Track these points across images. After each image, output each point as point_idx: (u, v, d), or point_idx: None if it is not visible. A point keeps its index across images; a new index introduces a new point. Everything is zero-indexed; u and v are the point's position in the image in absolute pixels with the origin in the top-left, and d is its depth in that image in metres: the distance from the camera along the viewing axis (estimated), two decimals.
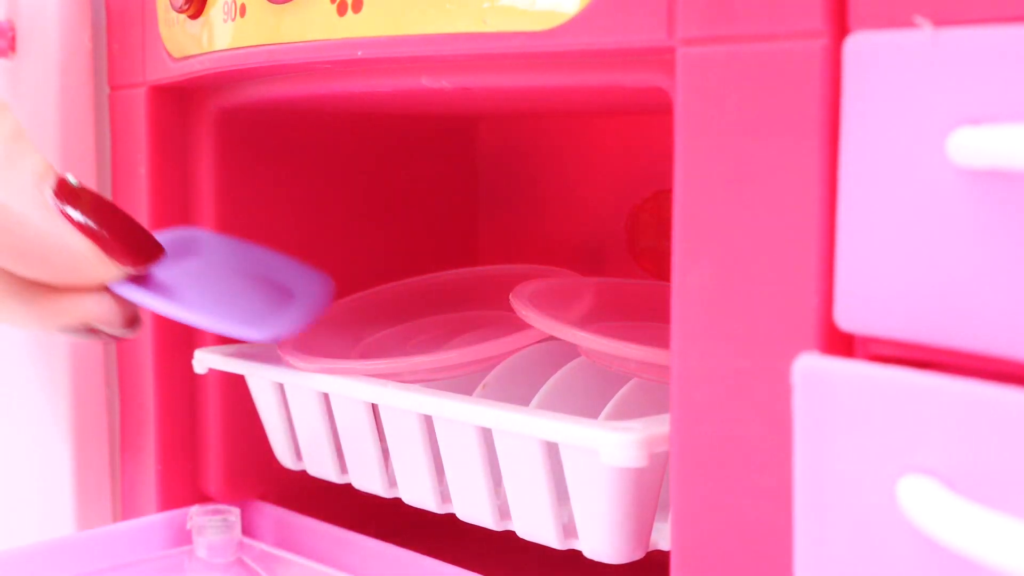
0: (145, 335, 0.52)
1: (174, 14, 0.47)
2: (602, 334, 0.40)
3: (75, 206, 0.36)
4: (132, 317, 0.40)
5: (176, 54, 0.47)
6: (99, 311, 0.39)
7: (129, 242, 0.38)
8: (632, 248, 0.57)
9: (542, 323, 0.42)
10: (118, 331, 0.40)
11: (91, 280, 0.38)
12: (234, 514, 0.51)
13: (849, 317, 0.28)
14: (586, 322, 0.44)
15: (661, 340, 0.36)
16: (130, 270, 0.38)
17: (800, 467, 0.28)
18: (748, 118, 0.30)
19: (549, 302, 0.44)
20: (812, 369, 0.27)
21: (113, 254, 0.37)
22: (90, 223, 0.37)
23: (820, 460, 0.27)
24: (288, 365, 0.46)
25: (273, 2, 0.41)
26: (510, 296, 0.44)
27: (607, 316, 0.46)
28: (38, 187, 0.36)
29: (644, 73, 0.34)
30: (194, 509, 0.51)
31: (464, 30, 0.35)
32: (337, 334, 0.48)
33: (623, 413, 0.39)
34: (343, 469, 0.48)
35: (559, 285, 0.47)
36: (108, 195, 0.54)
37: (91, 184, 0.55)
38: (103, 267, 0.38)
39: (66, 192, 0.36)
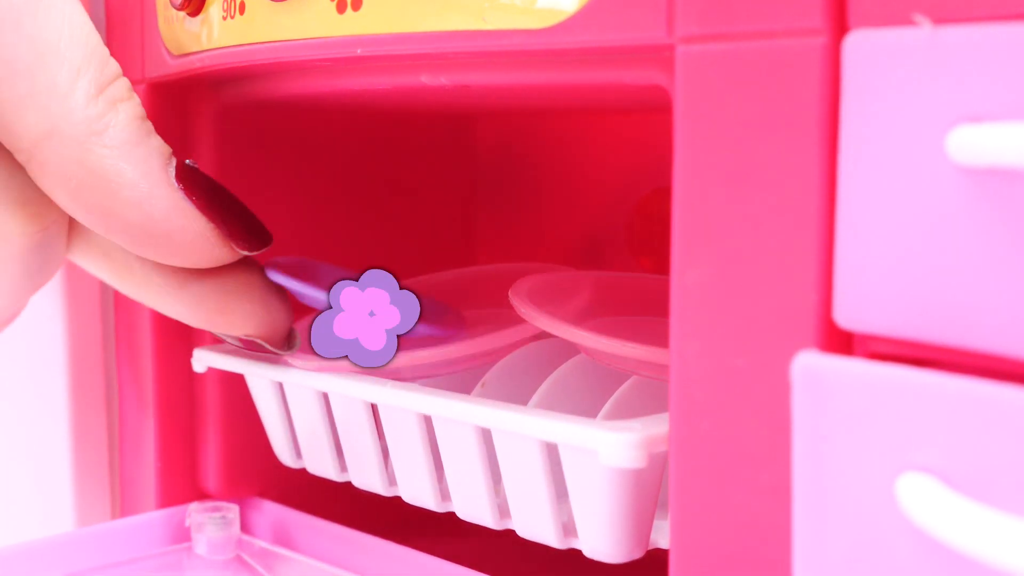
0: (144, 333, 0.52)
1: (173, 11, 0.47)
2: (601, 330, 0.40)
3: (195, 188, 0.37)
4: (289, 335, 0.43)
5: (175, 51, 0.47)
6: (260, 328, 0.41)
7: (244, 225, 0.39)
8: (631, 245, 0.57)
9: (541, 321, 0.42)
10: (276, 348, 0.43)
11: (208, 261, 0.39)
12: (233, 511, 0.51)
13: (848, 315, 0.28)
14: (585, 317, 0.44)
15: (661, 335, 0.36)
16: (243, 252, 0.39)
17: (799, 465, 0.28)
18: (747, 116, 0.30)
19: (548, 298, 0.44)
20: (811, 367, 0.27)
21: (230, 236, 0.38)
22: (210, 205, 0.38)
23: (819, 458, 0.27)
24: (287, 364, 0.46)
25: (273, 0, 0.41)
26: (509, 293, 0.44)
27: (606, 310, 0.46)
28: (164, 168, 0.37)
29: (643, 71, 0.34)
30: (193, 506, 0.51)
31: (463, 28, 0.35)
32: None
33: (622, 412, 0.39)
34: (342, 467, 0.48)
35: (558, 280, 0.47)
36: None
37: None
38: (219, 249, 0.39)
39: (186, 174, 0.37)
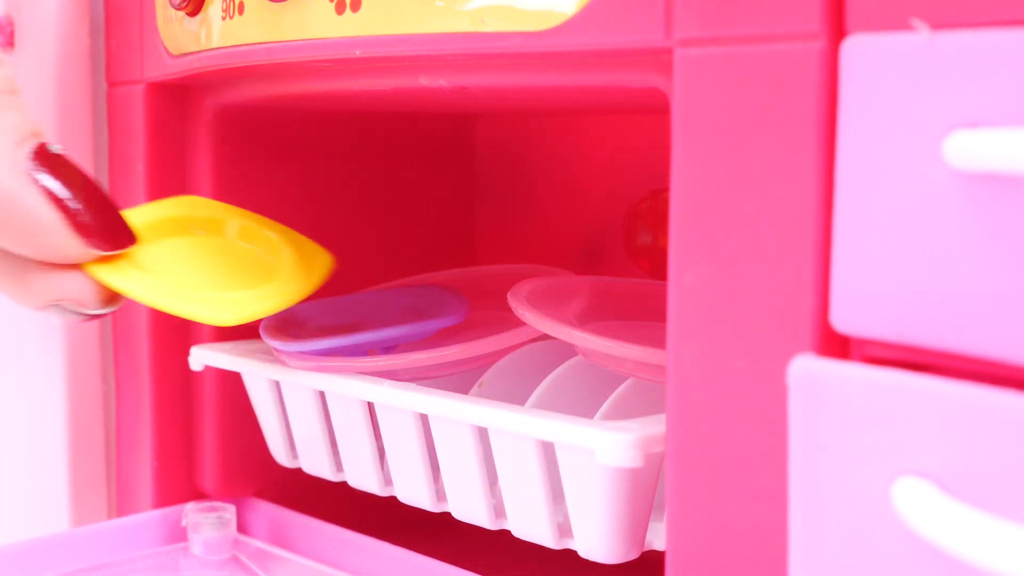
0: (141, 331, 0.52)
1: (172, 11, 0.47)
2: (599, 333, 0.40)
3: (51, 174, 0.35)
4: (110, 297, 0.39)
5: (174, 51, 0.47)
6: (74, 290, 0.37)
7: (100, 222, 0.36)
8: (629, 247, 0.57)
9: (539, 323, 0.42)
10: (93, 311, 0.38)
11: (55, 254, 0.36)
12: (229, 511, 0.51)
13: (845, 319, 0.28)
14: (583, 321, 0.44)
15: (657, 339, 0.36)
16: (97, 251, 0.37)
17: (795, 468, 0.28)
18: (745, 119, 0.30)
19: (547, 301, 0.44)
20: (808, 371, 0.27)
21: (81, 231, 0.36)
22: (62, 194, 0.35)
23: (815, 462, 0.27)
24: (284, 363, 0.46)
25: (272, 0, 0.41)
26: (508, 295, 0.44)
27: (605, 315, 0.46)
28: (16, 146, 0.35)
29: (641, 74, 0.34)
30: (189, 506, 0.51)
31: (462, 29, 0.36)
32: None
33: (619, 413, 0.39)
34: (338, 467, 0.48)
35: (557, 284, 0.47)
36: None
37: None
38: (70, 243, 0.36)
39: (44, 158, 0.35)
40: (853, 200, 0.27)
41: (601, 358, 0.41)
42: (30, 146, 0.35)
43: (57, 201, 0.35)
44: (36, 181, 0.35)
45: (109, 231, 0.37)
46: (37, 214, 0.35)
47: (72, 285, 0.37)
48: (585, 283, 0.48)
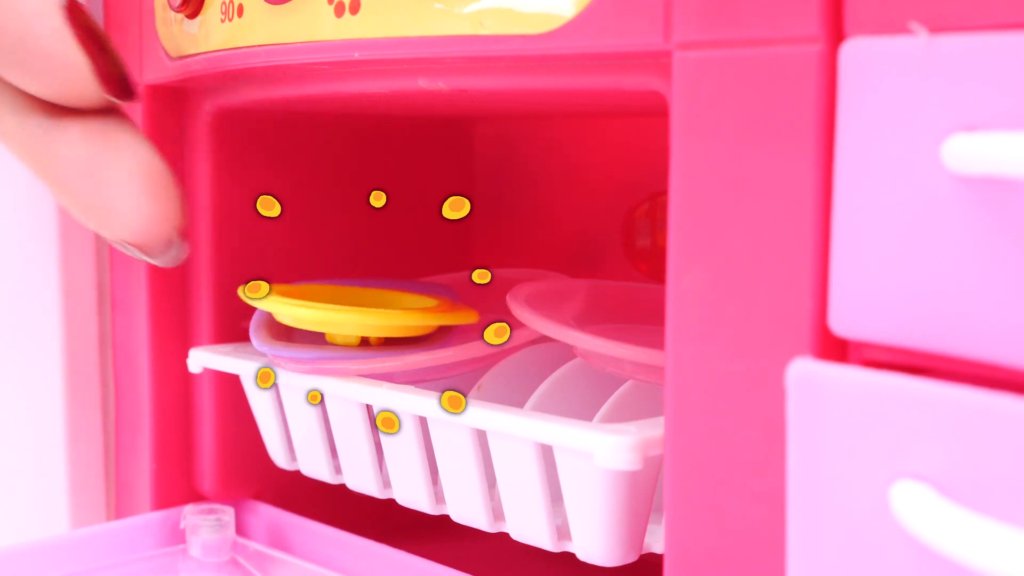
0: (141, 333, 0.52)
1: (172, 13, 0.47)
2: (598, 336, 0.40)
3: (79, 22, 0.38)
4: (169, 246, 0.41)
5: (173, 54, 0.47)
6: (134, 235, 0.40)
7: (116, 72, 0.39)
8: (628, 250, 0.57)
9: (538, 324, 0.42)
10: (151, 257, 0.41)
11: (75, 98, 0.39)
12: (228, 513, 0.51)
13: (843, 322, 0.28)
14: (582, 324, 0.44)
15: (658, 343, 0.36)
16: (110, 97, 0.40)
17: (793, 471, 0.28)
18: (744, 122, 0.30)
19: (545, 303, 0.44)
20: (806, 374, 0.27)
21: (102, 76, 0.39)
22: (90, 41, 0.38)
23: (813, 465, 0.27)
24: (281, 366, 0.46)
25: (271, 3, 0.41)
26: (507, 297, 0.44)
27: (603, 318, 0.46)
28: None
29: (640, 77, 0.34)
30: (188, 508, 0.51)
31: (461, 32, 0.36)
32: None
33: (618, 415, 0.39)
34: (337, 469, 0.48)
35: (555, 287, 0.47)
36: None
37: None
38: (91, 86, 0.39)
39: (74, 7, 0.38)
40: (851, 203, 0.27)
41: (600, 360, 0.41)
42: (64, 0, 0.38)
43: (87, 47, 0.38)
44: (72, 26, 0.38)
45: (123, 80, 0.40)
46: (70, 57, 0.38)
47: (136, 229, 0.40)
48: (583, 286, 0.48)
